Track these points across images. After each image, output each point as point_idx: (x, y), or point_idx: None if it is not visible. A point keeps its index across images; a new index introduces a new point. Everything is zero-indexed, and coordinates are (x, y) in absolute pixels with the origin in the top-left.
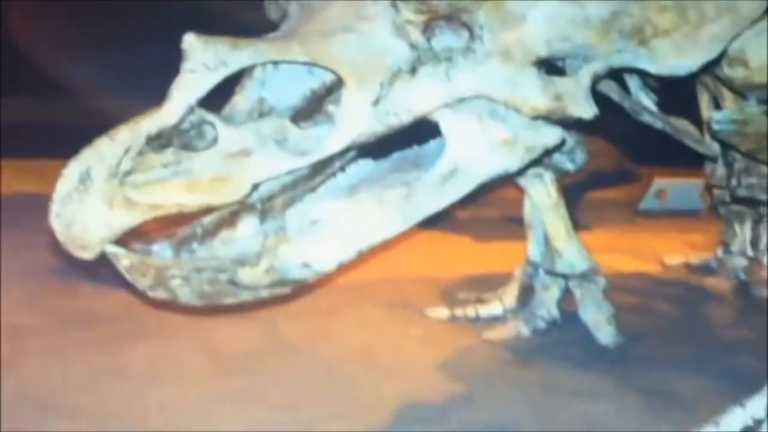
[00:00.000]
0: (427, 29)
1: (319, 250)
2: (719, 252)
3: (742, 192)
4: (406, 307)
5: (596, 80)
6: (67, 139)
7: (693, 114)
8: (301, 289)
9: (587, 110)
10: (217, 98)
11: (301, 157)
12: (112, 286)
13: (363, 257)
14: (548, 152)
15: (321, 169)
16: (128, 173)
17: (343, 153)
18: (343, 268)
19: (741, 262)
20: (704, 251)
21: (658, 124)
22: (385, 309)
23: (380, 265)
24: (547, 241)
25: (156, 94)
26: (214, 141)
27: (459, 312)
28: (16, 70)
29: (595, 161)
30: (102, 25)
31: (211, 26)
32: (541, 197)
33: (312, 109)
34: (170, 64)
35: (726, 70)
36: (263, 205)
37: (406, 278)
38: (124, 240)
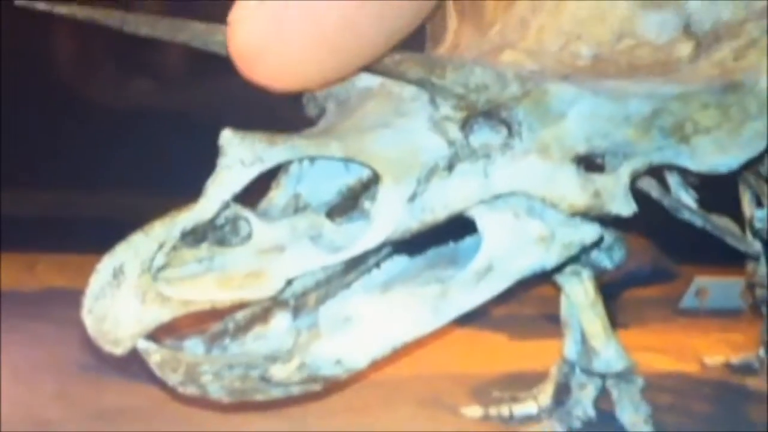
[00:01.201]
0: (465, 125)
1: (351, 347)
2: (761, 352)
3: None
4: (438, 404)
5: (636, 177)
6: (102, 234)
7: (735, 212)
8: (332, 386)
9: (626, 207)
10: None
11: (335, 254)
12: (142, 381)
13: (396, 355)
14: (586, 249)
15: (355, 265)
16: (162, 268)
17: (378, 249)
18: (375, 366)
19: None
20: (745, 351)
21: (698, 222)
22: (417, 407)
23: (413, 362)
24: (584, 339)
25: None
26: (249, 236)
27: (493, 411)
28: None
29: (633, 259)
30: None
31: (250, 122)
32: (578, 295)
33: (348, 205)
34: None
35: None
36: (296, 301)
37: (439, 375)
38: (155, 335)
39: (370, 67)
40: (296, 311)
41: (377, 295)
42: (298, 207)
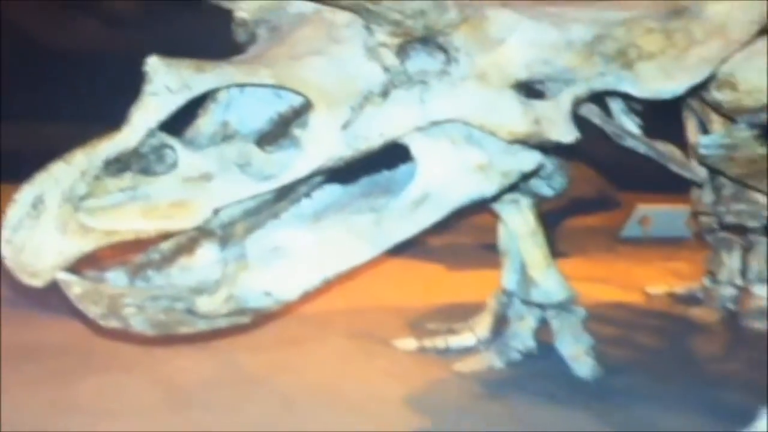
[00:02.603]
0: (402, 52)
1: (281, 279)
2: (705, 281)
3: (730, 219)
4: (372, 338)
5: (578, 104)
6: (21, 164)
7: (679, 138)
8: (261, 318)
9: (568, 134)
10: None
11: (265, 182)
12: (63, 315)
13: (328, 286)
14: (525, 177)
15: (285, 194)
16: (83, 198)
17: (309, 178)
18: (306, 297)
19: (729, 291)
20: (689, 280)
21: (642, 149)
22: (350, 340)
23: (346, 294)
24: (523, 269)
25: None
26: (174, 165)
27: (428, 343)
28: None
29: (575, 187)
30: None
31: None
32: (518, 224)
33: (278, 132)
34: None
35: (714, 94)
36: (224, 231)
37: (373, 308)
38: (77, 267)
39: None
40: (223, 242)
41: (308, 225)
42: (226, 135)
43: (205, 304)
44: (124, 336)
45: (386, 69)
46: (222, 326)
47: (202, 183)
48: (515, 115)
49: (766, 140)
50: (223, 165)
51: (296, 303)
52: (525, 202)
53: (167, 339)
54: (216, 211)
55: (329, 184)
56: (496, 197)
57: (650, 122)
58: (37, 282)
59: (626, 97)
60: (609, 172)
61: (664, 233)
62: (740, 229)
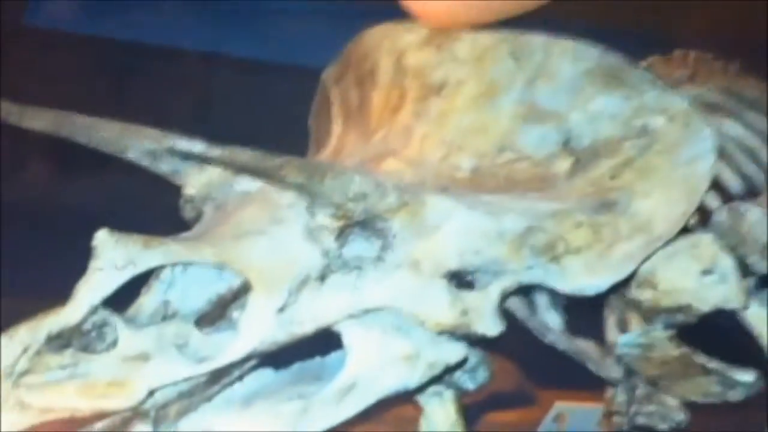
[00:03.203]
0: (341, 235)
1: None
2: None
3: (641, 420)
4: None
5: (505, 296)
6: None
7: (599, 336)
8: None
9: (493, 327)
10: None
11: (201, 364)
12: None
13: None
14: (450, 369)
15: (219, 377)
16: (24, 374)
17: (243, 362)
18: None
19: None
20: None
21: (563, 346)
22: None
23: None
24: None
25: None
26: (115, 343)
27: None
28: None
29: (495, 381)
30: None
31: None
32: (439, 417)
33: (217, 314)
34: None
35: (634, 292)
36: (157, 413)
37: None
38: None
39: (250, 170)
40: (156, 424)
41: (237, 409)
42: (166, 314)
43: None
44: None
45: (325, 253)
46: None
47: (140, 363)
48: (444, 306)
49: (681, 342)
50: (161, 345)
51: None
52: (448, 395)
53: None
54: (151, 392)
55: (262, 369)
56: (420, 389)
57: (572, 318)
58: None
59: (551, 292)
60: (527, 367)
61: (578, 431)
62: (650, 431)
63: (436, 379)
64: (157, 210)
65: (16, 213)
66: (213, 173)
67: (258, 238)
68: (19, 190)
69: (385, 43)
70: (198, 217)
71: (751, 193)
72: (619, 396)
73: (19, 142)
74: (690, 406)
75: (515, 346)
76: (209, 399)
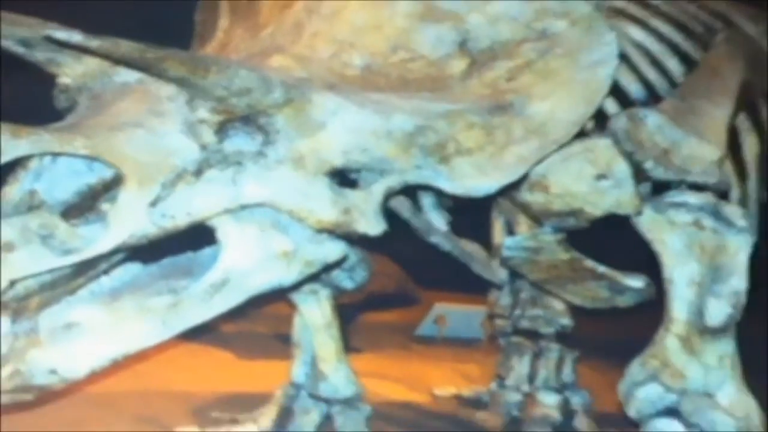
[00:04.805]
0: (221, 130)
1: (69, 356)
2: (493, 385)
3: (525, 323)
4: (155, 423)
5: (390, 196)
6: None
7: (486, 238)
8: (46, 396)
9: (375, 227)
10: None
11: (66, 256)
12: None
13: (117, 366)
14: (328, 268)
15: (85, 270)
16: None
17: (110, 255)
18: (93, 377)
19: (515, 397)
20: (478, 383)
21: (447, 247)
22: (134, 424)
23: (134, 376)
24: (314, 362)
25: None
26: None
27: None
28: None
29: (375, 281)
30: None
31: None
32: (314, 315)
33: (86, 206)
34: None
35: (525, 195)
36: (17, 304)
37: (160, 392)
38: None
39: (129, 62)
40: (16, 315)
41: (104, 303)
42: (33, 204)
43: None
44: None
45: (203, 147)
46: (4, 402)
47: (2, 253)
48: (326, 203)
49: (570, 246)
50: (25, 236)
51: (82, 383)
52: (324, 294)
53: None
54: (12, 283)
55: (130, 263)
56: (296, 286)
57: (459, 219)
58: None
59: (438, 192)
60: (410, 267)
61: (459, 333)
62: (533, 335)
63: (313, 277)
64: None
65: None
66: (91, 63)
67: (134, 130)
68: None
69: None
70: (72, 108)
71: (652, 99)
72: (503, 299)
73: None
74: (576, 311)
75: (398, 246)
76: (73, 292)
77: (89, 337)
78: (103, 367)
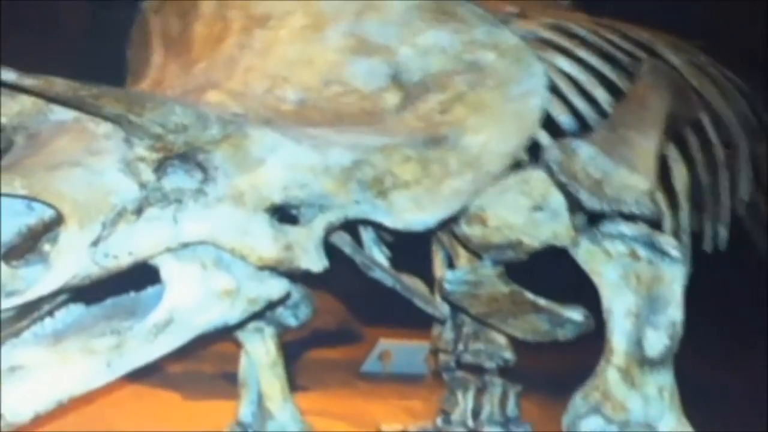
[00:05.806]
0: (160, 168)
1: (14, 400)
2: (438, 421)
3: (468, 358)
4: None
5: (330, 231)
6: None
7: (426, 272)
8: None
9: (317, 263)
10: None
11: (8, 299)
12: None
13: (61, 409)
14: (272, 305)
15: (28, 312)
16: None
17: (53, 296)
18: (38, 421)
19: None
20: (424, 419)
21: (389, 282)
22: None
23: (79, 419)
24: (260, 401)
25: None
26: None
27: None
28: None
29: (318, 318)
30: None
31: None
32: (259, 354)
33: (27, 247)
34: None
35: (464, 228)
36: None
37: None
38: None
39: (65, 100)
40: None
41: (48, 345)
42: None
43: None
44: None
45: (142, 185)
46: None
47: None
48: (267, 240)
49: (510, 279)
50: None
51: (27, 426)
52: (269, 332)
53: None
54: None
55: (73, 304)
56: (241, 324)
57: (400, 254)
58: None
59: (378, 227)
60: (352, 303)
61: (404, 369)
62: (477, 369)
63: (257, 315)
64: None
65: None
66: (26, 102)
67: (72, 170)
68: None
69: None
70: (8, 148)
71: (582, 128)
72: (446, 333)
73: None
74: (519, 345)
75: (340, 283)
76: (17, 334)
77: (34, 379)
78: (48, 410)
